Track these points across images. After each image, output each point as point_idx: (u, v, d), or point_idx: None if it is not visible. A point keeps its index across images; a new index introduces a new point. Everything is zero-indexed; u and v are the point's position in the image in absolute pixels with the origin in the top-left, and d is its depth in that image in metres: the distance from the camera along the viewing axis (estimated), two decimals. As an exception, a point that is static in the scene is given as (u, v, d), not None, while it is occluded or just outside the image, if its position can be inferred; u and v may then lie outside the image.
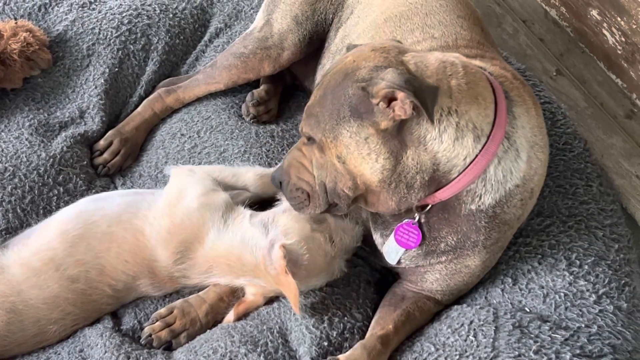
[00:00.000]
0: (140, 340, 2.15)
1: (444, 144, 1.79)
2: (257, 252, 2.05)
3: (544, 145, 1.95)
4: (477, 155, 1.82)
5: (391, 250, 2.05)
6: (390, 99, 1.73)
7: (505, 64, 2.08)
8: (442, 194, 1.86)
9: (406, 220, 1.98)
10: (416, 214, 1.95)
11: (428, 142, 1.79)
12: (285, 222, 2.06)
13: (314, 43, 2.57)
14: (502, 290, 2.10)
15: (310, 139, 1.88)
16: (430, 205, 1.92)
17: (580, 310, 2.01)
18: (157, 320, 2.15)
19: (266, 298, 2.14)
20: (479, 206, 1.88)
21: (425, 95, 1.70)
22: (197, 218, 2.12)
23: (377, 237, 2.12)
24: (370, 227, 2.14)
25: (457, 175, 1.83)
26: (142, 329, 2.18)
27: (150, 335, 2.14)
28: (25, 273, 2.09)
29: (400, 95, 1.70)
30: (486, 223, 1.91)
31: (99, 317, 2.19)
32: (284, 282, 1.97)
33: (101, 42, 2.72)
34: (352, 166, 1.81)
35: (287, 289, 1.97)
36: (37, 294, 2.09)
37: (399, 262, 2.07)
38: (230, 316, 2.14)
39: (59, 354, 2.13)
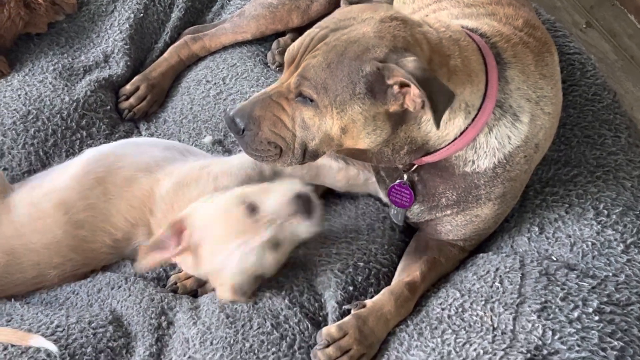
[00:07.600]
0: (165, 287, 2.13)
1: None
2: None
3: (553, 96, 1.91)
4: (466, 128, 1.80)
5: (396, 213, 2.06)
6: (402, 85, 1.67)
7: (517, 10, 2.00)
8: (428, 159, 1.86)
9: (398, 180, 1.98)
10: (404, 175, 1.96)
11: (422, 122, 1.77)
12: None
13: None
14: (529, 238, 2.08)
15: (305, 99, 1.75)
16: (416, 165, 1.91)
17: (608, 259, 1.98)
18: None
19: None
20: (474, 169, 1.87)
21: (439, 100, 1.64)
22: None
23: (382, 197, 2.13)
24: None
25: (446, 146, 1.82)
26: (167, 277, 2.16)
27: (175, 283, 2.12)
28: (32, 214, 2.07)
29: (415, 91, 1.65)
30: (486, 182, 1.90)
31: (98, 265, 2.17)
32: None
33: (126, -13, 2.71)
34: (351, 137, 1.76)
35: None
36: (39, 239, 2.07)
37: (406, 218, 2.07)
38: None
39: (78, 293, 2.12)
